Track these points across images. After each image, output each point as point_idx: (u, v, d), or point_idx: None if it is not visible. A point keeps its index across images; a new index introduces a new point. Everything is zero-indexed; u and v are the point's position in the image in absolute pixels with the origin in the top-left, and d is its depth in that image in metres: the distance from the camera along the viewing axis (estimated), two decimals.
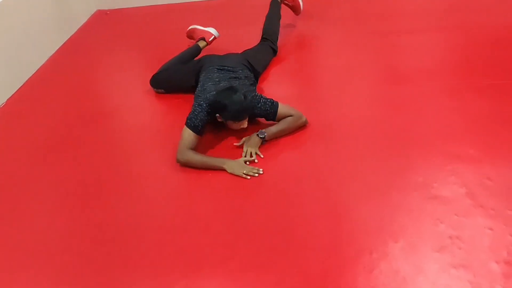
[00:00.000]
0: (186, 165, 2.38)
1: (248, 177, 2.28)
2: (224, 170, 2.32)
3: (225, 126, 2.54)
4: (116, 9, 4.71)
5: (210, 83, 2.63)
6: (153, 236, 2.03)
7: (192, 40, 3.47)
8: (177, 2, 4.63)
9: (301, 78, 3.17)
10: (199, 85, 2.69)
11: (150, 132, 2.78)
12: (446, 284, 1.67)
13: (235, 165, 2.32)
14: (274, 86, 3.02)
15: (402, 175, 2.17)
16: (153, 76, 3.06)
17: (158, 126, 2.82)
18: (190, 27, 3.51)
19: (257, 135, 2.45)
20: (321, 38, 3.56)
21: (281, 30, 3.38)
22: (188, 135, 2.41)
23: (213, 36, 3.36)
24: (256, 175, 2.29)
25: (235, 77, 2.68)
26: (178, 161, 2.39)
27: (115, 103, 3.14)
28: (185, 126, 2.43)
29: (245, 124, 2.46)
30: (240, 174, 2.29)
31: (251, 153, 2.41)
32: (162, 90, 3.08)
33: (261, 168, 2.31)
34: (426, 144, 2.33)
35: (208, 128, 2.53)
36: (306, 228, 1.97)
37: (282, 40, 3.41)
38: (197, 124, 2.41)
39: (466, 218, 1.91)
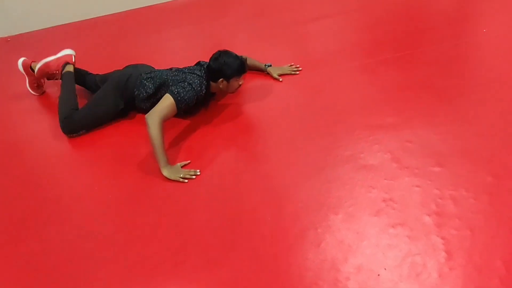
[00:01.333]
0: (148, 132, 2.34)
1: (186, 181, 2.29)
2: (161, 172, 2.34)
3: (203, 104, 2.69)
4: (18, 34, 4.50)
5: (175, 72, 2.65)
6: (99, 255, 1.99)
7: (52, 77, 3.11)
8: (77, 20, 4.50)
9: None
10: (161, 84, 2.62)
11: (77, 155, 2.70)
12: (388, 243, 1.78)
13: (172, 171, 2.33)
14: None
15: (331, 152, 2.28)
16: (65, 121, 2.69)
17: (84, 151, 2.75)
18: (39, 65, 3.03)
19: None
20: (231, 37, 3.61)
21: (193, 36, 3.39)
22: (171, 106, 2.42)
23: (73, 56, 3.02)
24: (194, 177, 2.31)
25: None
26: (148, 123, 2.34)
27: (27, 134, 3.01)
28: (169, 95, 2.43)
29: (242, 80, 2.62)
30: (177, 178, 2.30)
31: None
32: (84, 130, 2.75)
33: (197, 169, 2.33)
34: (348, 120, 2.46)
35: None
36: (250, 217, 2.02)
37: (195, 47, 3.43)
38: (185, 99, 2.46)
39: (395, 180, 2.04)
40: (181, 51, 3.55)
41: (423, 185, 1.99)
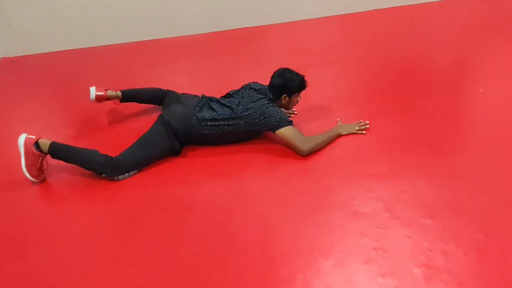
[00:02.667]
0: (312, 151, 2.58)
1: (364, 132, 2.69)
2: (340, 136, 2.69)
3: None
4: (23, 56, 4.56)
5: (236, 101, 2.72)
6: (85, 283, 1.96)
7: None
8: (84, 46, 4.58)
9: None
10: (230, 114, 2.67)
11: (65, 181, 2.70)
12: None
13: (347, 127, 2.72)
14: None
15: (325, 197, 2.30)
16: (107, 166, 2.55)
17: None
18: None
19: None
20: (232, 76, 3.66)
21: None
22: (294, 129, 2.60)
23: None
24: (368, 126, 2.72)
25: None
26: (305, 152, 2.56)
27: None
28: (284, 128, 2.58)
29: (300, 96, 2.78)
30: (355, 131, 2.70)
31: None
32: (136, 170, 2.65)
33: (189, 200, 2.34)
34: (344, 166, 2.49)
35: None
36: (240, 255, 2.01)
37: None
38: (286, 118, 2.62)
39: (386, 229, 2.05)
40: (178, 86, 3.61)
41: (414, 237, 2.00)
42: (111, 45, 4.57)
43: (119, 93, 3.12)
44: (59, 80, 4.02)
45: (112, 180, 2.59)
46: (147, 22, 4.52)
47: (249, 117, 2.63)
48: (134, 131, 2.85)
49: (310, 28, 4.38)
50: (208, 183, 2.50)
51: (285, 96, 2.70)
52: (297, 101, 2.79)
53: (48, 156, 2.64)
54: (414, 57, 3.51)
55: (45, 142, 2.62)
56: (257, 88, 2.78)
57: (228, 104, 2.72)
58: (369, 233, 2.05)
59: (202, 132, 2.68)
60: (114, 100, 3.15)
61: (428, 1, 4.43)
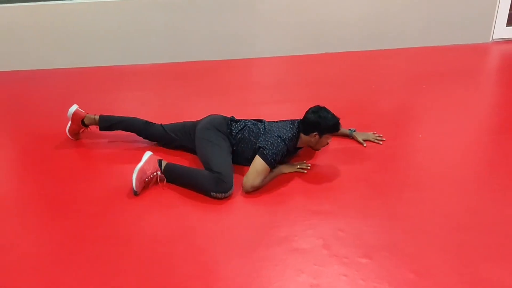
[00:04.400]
0: (255, 191, 2.59)
1: (305, 171, 2.74)
2: (282, 174, 2.73)
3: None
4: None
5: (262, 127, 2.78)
6: None
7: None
8: (36, 68, 4.51)
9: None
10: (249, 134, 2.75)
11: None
12: None
13: (289, 167, 2.76)
14: None
15: (268, 231, 2.32)
16: (222, 183, 2.53)
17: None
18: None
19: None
20: (188, 107, 3.69)
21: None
22: (265, 169, 2.59)
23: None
24: (309, 167, 2.76)
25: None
26: (249, 189, 2.57)
27: None
28: (262, 160, 2.57)
29: (331, 138, 2.78)
30: (296, 170, 2.74)
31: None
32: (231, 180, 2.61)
33: (129, 231, 2.31)
34: (288, 202, 2.53)
35: None
36: None
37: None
38: (276, 160, 2.62)
39: (324, 267, 2.09)
40: (129, 114, 3.60)
41: (349, 275, 2.05)
42: (63, 68, 4.51)
43: (96, 117, 3.08)
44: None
45: (223, 197, 2.54)
46: (102, 48, 4.51)
47: (269, 135, 2.67)
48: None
49: (264, 66, 4.49)
50: (149, 213, 2.47)
51: (315, 134, 2.66)
52: (327, 143, 2.75)
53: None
54: (360, 101, 3.66)
55: (164, 163, 2.70)
56: (288, 120, 2.81)
57: (254, 125, 2.81)
58: (307, 269, 2.08)
59: (238, 136, 2.77)
60: (86, 129, 3.16)
61: (377, 49, 4.66)
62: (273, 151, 2.59)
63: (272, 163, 2.60)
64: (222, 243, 2.25)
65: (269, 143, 2.62)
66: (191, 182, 2.64)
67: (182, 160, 2.90)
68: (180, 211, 2.50)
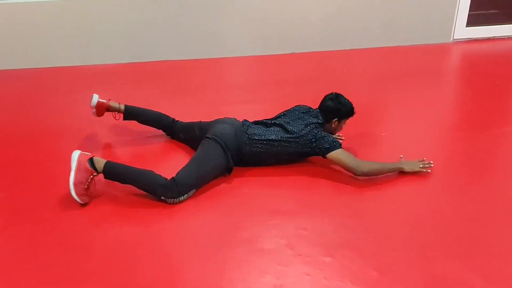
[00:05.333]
0: (368, 175, 2.65)
1: (429, 170, 2.68)
2: (402, 170, 2.69)
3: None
4: None
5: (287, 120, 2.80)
6: None
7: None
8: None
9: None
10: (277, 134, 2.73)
11: None
12: None
13: (412, 164, 2.70)
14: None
15: (231, 233, 2.31)
16: (167, 187, 2.46)
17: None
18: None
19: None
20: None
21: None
22: (345, 152, 2.66)
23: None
24: (432, 164, 2.70)
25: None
26: (361, 173, 2.63)
27: None
28: (336, 151, 2.64)
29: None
30: (419, 169, 2.68)
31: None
32: (194, 190, 2.58)
33: (91, 235, 2.25)
34: (252, 203, 2.52)
35: None
36: None
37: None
38: (337, 141, 2.68)
39: (287, 267, 2.09)
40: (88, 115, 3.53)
41: (313, 274, 2.05)
42: (21, 69, 4.38)
43: (122, 107, 3.04)
44: None
45: (172, 203, 2.49)
46: (59, 48, 4.40)
47: (301, 138, 2.69)
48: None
49: (231, 66, 4.47)
50: (110, 218, 2.42)
51: (335, 120, 2.78)
52: (342, 128, 2.87)
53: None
54: None
55: (100, 160, 2.50)
56: (308, 110, 2.85)
57: (279, 123, 2.78)
58: (271, 270, 2.07)
59: (254, 150, 2.70)
60: (114, 113, 3.06)
61: (341, 49, 4.70)
62: (329, 139, 2.67)
63: (337, 143, 2.67)
64: (184, 247, 2.23)
65: (319, 136, 2.68)
66: (137, 183, 2.54)
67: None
68: (141, 215, 2.45)
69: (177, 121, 3.10)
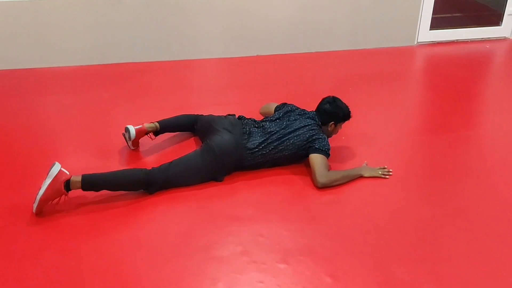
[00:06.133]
0: (329, 186, 2.61)
1: (387, 177, 2.70)
2: (362, 176, 2.71)
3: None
4: None
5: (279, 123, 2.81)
6: None
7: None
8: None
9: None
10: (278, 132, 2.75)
11: None
12: None
13: (371, 169, 2.73)
14: None
15: (187, 239, 2.27)
16: (156, 182, 2.53)
17: None
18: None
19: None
20: (108, 111, 3.57)
21: None
22: (325, 161, 2.65)
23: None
24: (391, 173, 2.73)
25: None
26: (321, 184, 2.60)
27: None
28: (318, 154, 2.64)
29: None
30: (378, 174, 2.71)
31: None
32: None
33: (37, 243, 2.18)
34: (210, 208, 2.49)
35: None
36: None
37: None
38: (329, 148, 2.68)
39: (241, 274, 2.07)
40: (47, 119, 3.44)
41: (266, 281, 2.03)
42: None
43: (157, 125, 2.96)
44: None
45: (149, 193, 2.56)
46: (21, 49, 4.28)
47: (297, 139, 2.71)
48: None
49: (196, 68, 4.42)
50: (64, 227, 2.35)
51: (332, 123, 2.81)
52: (338, 131, 2.91)
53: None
54: (291, 103, 3.66)
55: (76, 180, 2.40)
56: (304, 112, 2.87)
57: (273, 129, 2.76)
58: (224, 278, 2.04)
59: (255, 162, 2.72)
60: (150, 134, 2.97)
61: (306, 52, 4.71)
62: (324, 142, 2.70)
63: (327, 152, 2.67)
64: (138, 255, 2.18)
65: (322, 141, 2.70)
66: (121, 184, 2.53)
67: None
68: (95, 221, 2.39)
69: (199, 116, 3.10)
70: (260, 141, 2.70)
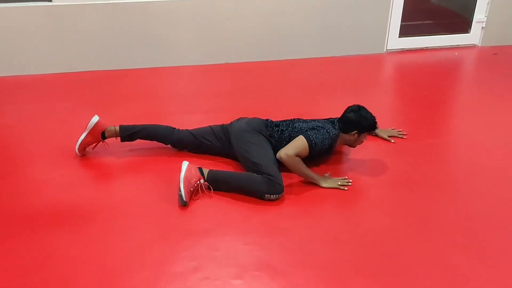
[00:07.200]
0: (284, 163, 2.57)
1: (346, 188, 2.63)
2: (318, 185, 2.65)
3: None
4: None
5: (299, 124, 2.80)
6: None
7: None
8: None
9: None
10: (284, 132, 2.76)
11: None
12: None
13: (330, 181, 2.66)
14: None
15: (139, 255, 2.18)
16: (272, 183, 2.52)
17: None
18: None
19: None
20: (71, 120, 3.47)
21: None
22: (303, 146, 2.59)
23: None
24: (350, 184, 2.67)
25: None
26: (280, 158, 2.57)
27: None
28: (303, 137, 2.60)
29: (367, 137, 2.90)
30: (337, 186, 2.64)
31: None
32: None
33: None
34: (166, 221, 2.41)
35: None
36: None
37: None
38: (315, 143, 2.62)
39: None
40: (11, 129, 3.33)
41: None
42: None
43: (117, 128, 2.94)
44: None
45: (276, 198, 2.54)
46: None
47: (305, 125, 2.76)
48: None
49: (165, 76, 4.34)
50: (8, 240, 2.24)
51: (355, 133, 2.74)
52: (362, 142, 2.83)
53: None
54: (254, 111, 3.56)
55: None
56: (325, 120, 2.85)
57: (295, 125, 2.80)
58: None
59: (281, 136, 2.75)
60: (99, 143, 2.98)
61: (275, 59, 4.66)
62: (316, 136, 2.65)
63: (311, 143, 2.62)
64: (88, 271, 2.08)
65: (315, 131, 2.68)
66: (241, 187, 2.60)
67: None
68: (40, 236, 2.29)
69: (180, 130, 3.00)
70: (282, 129, 2.78)
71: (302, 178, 2.71)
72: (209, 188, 2.62)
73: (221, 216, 2.46)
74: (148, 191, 2.65)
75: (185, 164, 2.58)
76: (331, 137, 2.72)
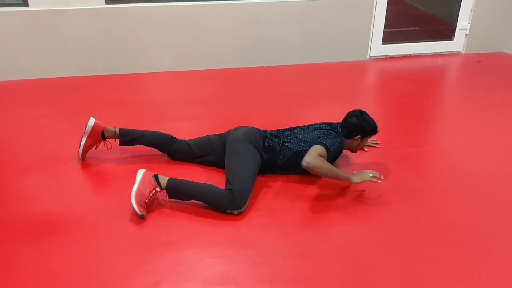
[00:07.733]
0: (313, 169, 2.48)
1: (379, 181, 2.58)
2: (350, 182, 2.58)
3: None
4: None
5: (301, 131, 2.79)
6: None
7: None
8: None
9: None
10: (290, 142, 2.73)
11: None
12: None
13: (361, 175, 2.57)
14: None
15: (99, 270, 2.09)
16: (233, 196, 2.42)
17: None
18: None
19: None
20: (47, 128, 3.39)
21: None
22: (322, 150, 2.55)
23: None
24: (382, 177, 2.59)
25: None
26: (306, 163, 2.47)
27: None
28: (321, 146, 2.56)
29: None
30: (370, 179, 2.55)
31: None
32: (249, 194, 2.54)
33: None
34: (131, 234, 2.32)
35: None
36: None
37: None
38: (331, 149, 2.60)
39: None
40: None
41: None
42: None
43: (117, 130, 2.90)
44: None
45: (238, 213, 2.45)
46: None
47: (307, 135, 2.73)
48: None
49: (142, 82, 4.27)
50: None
51: (358, 137, 2.73)
52: (363, 145, 2.88)
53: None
54: (233, 119, 3.54)
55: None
56: (325, 124, 2.81)
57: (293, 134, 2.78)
58: None
59: (282, 144, 2.72)
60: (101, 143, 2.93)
61: (257, 66, 4.61)
62: (326, 140, 2.62)
63: (328, 148, 2.58)
64: (45, 284, 1.99)
65: (323, 137, 2.65)
66: (202, 200, 2.52)
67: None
68: (4, 251, 2.19)
69: (180, 140, 2.95)
70: (282, 143, 2.74)
71: (283, 189, 2.67)
72: (165, 197, 2.55)
73: (187, 228, 2.37)
74: (115, 201, 2.56)
75: (139, 175, 2.49)
76: (341, 143, 2.73)
